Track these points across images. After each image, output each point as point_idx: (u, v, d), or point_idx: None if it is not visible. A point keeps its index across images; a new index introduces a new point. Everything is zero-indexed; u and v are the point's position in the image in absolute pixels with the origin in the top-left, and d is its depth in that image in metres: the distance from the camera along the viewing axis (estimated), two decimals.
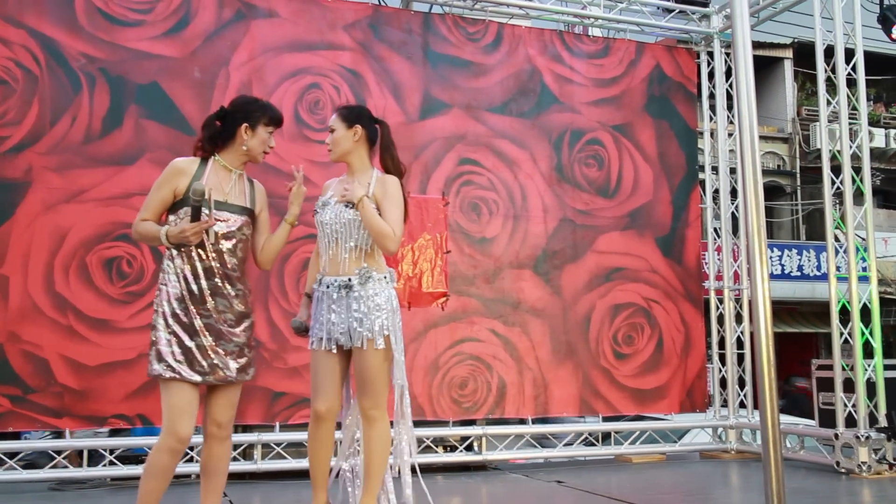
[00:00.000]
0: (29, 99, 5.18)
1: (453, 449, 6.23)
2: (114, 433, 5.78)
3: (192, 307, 3.09)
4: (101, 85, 5.33)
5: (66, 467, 5.26)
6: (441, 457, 6.04)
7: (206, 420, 3.23)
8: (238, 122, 3.24)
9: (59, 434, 5.25)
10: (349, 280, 3.35)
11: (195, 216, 3.08)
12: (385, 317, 3.37)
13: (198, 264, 3.13)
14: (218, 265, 3.16)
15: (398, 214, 3.38)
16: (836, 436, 5.72)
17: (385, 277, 3.43)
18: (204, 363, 3.08)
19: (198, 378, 3.07)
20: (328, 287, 3.38)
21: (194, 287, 3.11)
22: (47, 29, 5.26)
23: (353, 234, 3.37)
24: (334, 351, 3.39)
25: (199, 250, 3.13)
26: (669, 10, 6.90)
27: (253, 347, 3.29)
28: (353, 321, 3.33)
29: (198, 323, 3.09)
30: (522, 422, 6.32)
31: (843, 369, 5.74)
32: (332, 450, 3.47)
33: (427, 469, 5.73)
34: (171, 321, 3.08)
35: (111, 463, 5.30)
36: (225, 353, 3.14)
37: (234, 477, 5.07)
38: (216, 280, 3.14)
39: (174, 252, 3.13)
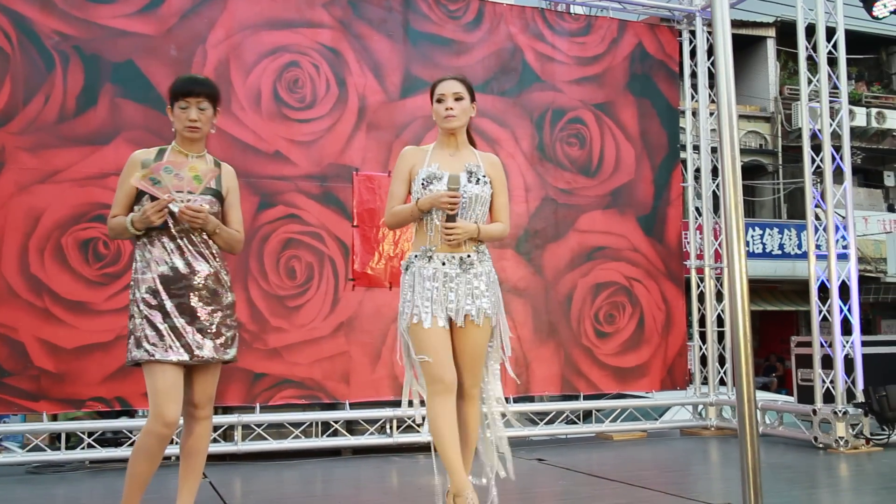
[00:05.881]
0: (1, 78, 5.08)
1: None
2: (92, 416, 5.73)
3: (161, 289, 3.09)
4: (75, 63, 5.24)
5: (43, 450, 5.22)
6: (423, 436, 6.03)
7: (184, 400, 3.20)
8: (168, 107, 3.26)
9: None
10: (469, 256, 3.24)
11: (154, 196, 3.08)
12: (499, 293, 3.34)
13: (167, 244, 3.14)
14: (187, 243, 3.16)
15: (506, 200, 3.35)
16: (815, 411, 5.77)
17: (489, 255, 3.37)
18: (177, 343, 3.07)
19: (174, 358, 3.05)
20: (444, 264, 3.22)
21: (164, 268, 3.12)
22: (19, 6, 5.15)
23: (476, 210, 3.24)
24: (447, 327, 3.25)
25: (166, 231, 3.14)
26: None
27: (233, 327, 3.25)
28: (473, 298, 3.22)
29: (168, 304, 3.09)
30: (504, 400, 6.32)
31: (822, 346, 5.79)
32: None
33: (409, 448, 5.76)
34: (142, 307, 3.09)
35: (90, 446, 5.27)
36: (201, 332, 3.12)
37: (215, 458, 5.04)
38: (187, 258, 3.15)
39: (143, 240, 3.16)
